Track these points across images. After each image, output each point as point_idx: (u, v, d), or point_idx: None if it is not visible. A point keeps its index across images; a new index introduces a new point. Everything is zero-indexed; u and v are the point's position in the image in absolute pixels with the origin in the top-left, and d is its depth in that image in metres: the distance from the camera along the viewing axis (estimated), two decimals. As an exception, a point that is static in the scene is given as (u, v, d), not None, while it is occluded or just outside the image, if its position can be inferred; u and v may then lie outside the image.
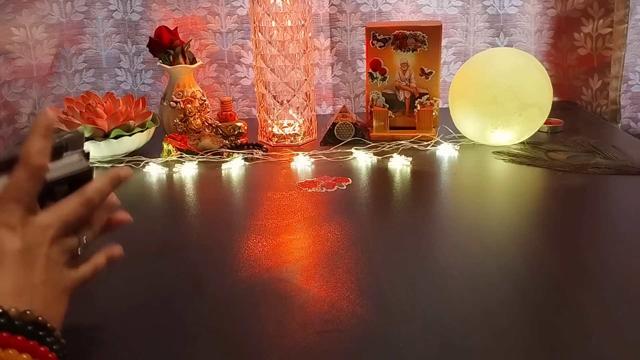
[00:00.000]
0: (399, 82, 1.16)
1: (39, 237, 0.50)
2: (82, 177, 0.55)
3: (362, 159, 1.07)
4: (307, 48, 1.14)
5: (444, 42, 1.30)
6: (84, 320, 0.64)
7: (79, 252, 0.54)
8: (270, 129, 1.18)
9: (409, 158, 1.05)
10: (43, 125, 0.50)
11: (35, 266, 0.49)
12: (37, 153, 0.50)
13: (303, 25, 1.12)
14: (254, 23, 1.13)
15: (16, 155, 0.51)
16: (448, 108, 1.15)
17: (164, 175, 1.05)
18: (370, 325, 0.62)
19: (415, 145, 1.12)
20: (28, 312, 0.46)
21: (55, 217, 0.52)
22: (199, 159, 1.09)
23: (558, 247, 0.77)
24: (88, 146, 0.58)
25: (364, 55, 1.20)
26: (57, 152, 0.54)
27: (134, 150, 1.12)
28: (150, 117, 1.15)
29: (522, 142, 1.11)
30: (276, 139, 1.18)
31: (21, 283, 0.48)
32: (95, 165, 0.59)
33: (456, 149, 1.09)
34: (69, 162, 0.55)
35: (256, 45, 1.15)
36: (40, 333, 0.46)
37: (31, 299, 0.48)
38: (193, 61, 1.20)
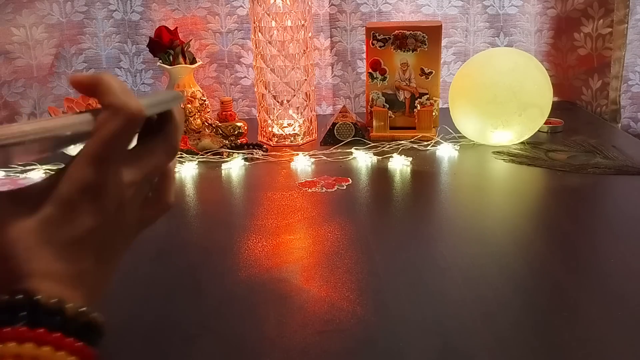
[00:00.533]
0: (399, 82, 1.16)
1: (120, 201, 0.42)
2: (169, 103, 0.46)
3: (362, 159, 1.07)
4: (307, 48, 1.14)
5: (444, 42, 1.30)
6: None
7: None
8: (270, 129, 1.18)
9: (409, 158, 1.05)
10: (113, 81, 0.41)
11: (104, 245, 0.42)
12: (132, 106, 0.40)
13: (303, 25, 1.12)
14: (254, 23, 1.13)
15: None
16: (448, 108, 1.15)
17: (164, 175, 1.04)
18: (370, 326, 0.62)
19: (415, 145, 1.12)
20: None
21: (141, 171, 0.43)
22: (199, 159, 1.09)
23: (558, 247, 0.77)
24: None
25: (364, 55, 1.20)
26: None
27: (134, 150, 1.12)
28: (150, 117, 1.15)
29: (522, 142, 1.11)
30: (276, 139, 1.17)
31: (79, 273, 0.42)
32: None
33: (456, 149, 1.09)
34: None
35: (256, 45, 1.15)
36: (79, 328, 0.41)
37: (87, 290, 0.42)
38: (193, 61, 1.20)
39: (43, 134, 0.38)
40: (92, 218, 0.41)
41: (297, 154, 1.09)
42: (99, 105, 0.40)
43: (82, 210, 0.40)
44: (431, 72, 1.15)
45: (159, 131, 0.45)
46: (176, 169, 0.50)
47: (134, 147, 0.44)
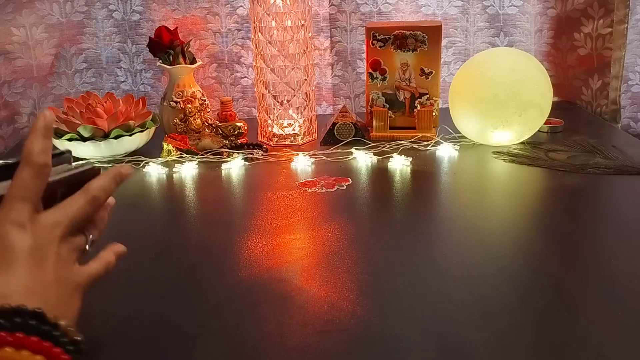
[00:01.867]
0: (399, 82, 1.16)
1: (49, 235, 0.50)
2: (83, 178, 0.55)
3: (362, 159, 1.07)
4: (307, 48, 1.14)
5: (444, 42, 1.30)
6: (84, 320, 0.64)
7: (87, 249, 0.54)
8: (270, 129, 1.18)
9: (409, 158, 1.05)
10: (42, 125, 0.50)
11: (46, 264, 0.49)
12: (40, 152, 0.50)
13: (303, 25, 1.12)
14: (254, 23, 1.13)
15: (15, 162, 0.51)
16: (448, 108, 1.15)
17: (164, 175, 1.05)
18: (370, 326, 0.62)
19: (415, 145, 1.12)
20: (41, 310, 0.45)
21: (63, 215, 0.51)
22: (199, 159, 1.09)
23: (558, 247, 0.77)
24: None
25: (364, 55, 1.20)
26: (58, 159, 0.54)
27: (134, 150, 1.12)
28: (150, 117, 1.15)
29: (522, 142, 1.11)
30: (276, 139, 1.18)
31: (33, 282, 0.48)
32: (98, 165, 0.58)
33: (456, 149, 1.09)
34: (67, 167, 0.55)
35: (256, 45, 1.15)
36: (55, 333, 0.45)
37: (44, 298, 0.48)
38: (193, 61, 1.20)
39: None
40: (22, 242, 0.49)
41: (297, 154, 1.09)
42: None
43: (14, 238, 0.49)
44: (431, 72, 1.15)
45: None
46: (120, 248, 0.60)
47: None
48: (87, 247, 0.54)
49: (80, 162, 0.55)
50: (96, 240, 0.56)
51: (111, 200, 0.59)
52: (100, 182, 0.55)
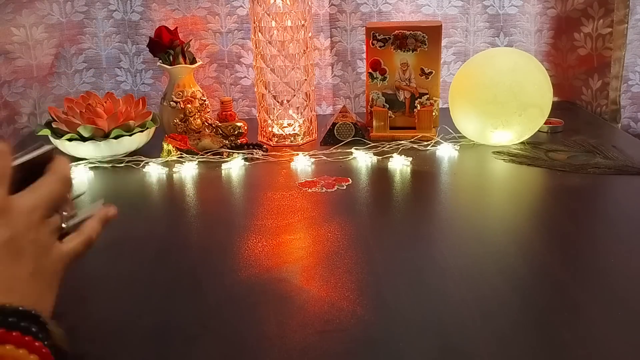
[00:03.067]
0: (399, 82, 1.16)
1: (26, 222, 0.48)
2: (41, 162, 0.53)
3: (362, 159, 1.07)
4: (307, 48, 1.14)
5: (444, 42, 1.30)
6: (84, 320, 0.64)
7: (64, 226, 0.53)
8: (270, 129, 1.18)
9: (409, 158, 1.05)
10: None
11: (23, 257, 0.48)
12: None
13: (303, 25, 1.12)
14: (254, 23, 1.13)
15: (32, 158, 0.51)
16: (448, 108, 1.15)
17: (164, 175, 1.05)
18: (370, 326, 0.62)
19: (415, 145, 1.12)
20: (21, 308, 0.45)
21: (38, 198, 0.50)
22: (199, 159, 1.09)
23: (558, 247, 0.77)
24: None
25: (364, 55, 1.20)
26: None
27: (134, 150, 1.12)
28: (150, 117, 1.15)
29: (522, 142, 1.11)
30: (276, 139, 1.17)
31: (10, 278, 0.47)
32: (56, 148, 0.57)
33: (456, 149, 1.09)
34: (23, 152, 0.53)
35: (256, 45, 1.15)
36: (33, 329, 0.45)
37: (22, 293, 0.47)
38: (193, 61, 1.20)
39: None
40: (2, 231, 0.47)
41: (297, 154, 1.09)
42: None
43: None
44: (431, 72, 1.15)
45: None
46: (110, 210, 0.58)
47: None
48: (63, 225, 0.53)
49: (35, 145, 0.54)
50: (70, 216, 0.54)
51: (111, 211, 0.58)
52: (67, 163, 0.54)
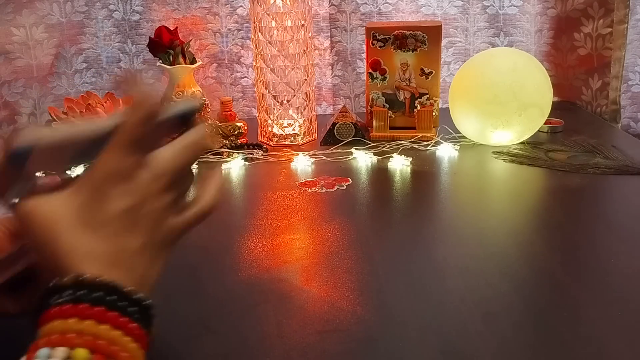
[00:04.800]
0: (399, 82, 1.16)
1: (151, 188, 0.45)
2: (189, 118, 0.50)
3: (362, 159, 1.07)
4: (307, 48, 1.14)
5: (444, 42, 1.30)
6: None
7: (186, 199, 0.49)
8: (270, 129, 1.18)
9: (409, 158, 1.05)
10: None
11: (137, 228, 0.45)
12: (150, 98, 0.45)
13: (303, 25, 1.12)
14: (254, 23, 1.13)
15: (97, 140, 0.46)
16: (448, 108, 1.15)
17: (164, 175, 1.04)
18: (370, 326, 0.62)
19: (415, 145, 1.12)
20: (124, 287, 0.43)
21: (168, 165, 0.47)
22: (199, 159, 1.09)
23: (558, 247, 0.77)
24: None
25: (364, 55, 1.20)
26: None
27: (134, 150, 1.12)
28: (150, 117, 1.15)
29: (522, 142, 1.11)
30: (276, 139, 1.17)
31: (119, 250, 0.44)
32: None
33: (456, 149, 1.09)
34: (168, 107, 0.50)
35: (256, 45, 1.15)
36: (130, 309, 0.43)
37: (127, 268, 0.45)
38: (193, 61, 1.20)
39: (72, 134, 0.45)
40: (121, 200, 0.44)
41: (297, 154, 1.09)
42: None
43: (112, 193, 0.44)
44: (431, 72, 1.15)
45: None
46: (222, 173, 0.52)
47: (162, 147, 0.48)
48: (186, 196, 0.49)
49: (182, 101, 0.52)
50: (190, 187, 0.51)
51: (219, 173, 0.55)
52: (202, 129, 0.50)
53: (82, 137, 0.46)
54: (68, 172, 0.49)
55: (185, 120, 0.50)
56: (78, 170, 0.50)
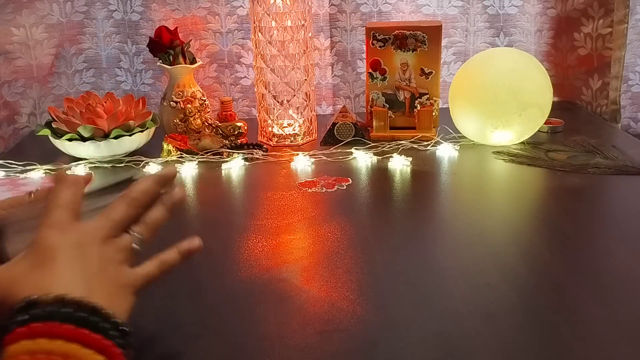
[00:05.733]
0: (399, 82, 1.16)
1: (90, 237, 0.50)
2: (119, 189, 0.55)
3: (362, 159, 1.07)
4: (307, 48, 1.14)
5: (444, 42, 1.30)
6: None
7: (136, 248, 0.53)
8: (270, 129, 1.18)
9: (409, 158, 1.05)
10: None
11: (89, 261, 0.48)
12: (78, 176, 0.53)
13: (303, 25, 1.12)
14: (254, 23, 1.13)
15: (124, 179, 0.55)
16: (448, 108, 1.15)
17: (164, 175, 1.04)
18: (370, 326, 0.62)
19: (415, 145, 1.12)
20: (94, 304, 0.44)
21: (103, 219, 0.51)
22: (199, 159, 1.09)
23: (558, 247, 0.77)
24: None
25: (364, 55, 1.20)
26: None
27: (134, 150, 1.12)
28: (150, 117, 1.15)
29: (522, 142, 1.11)
30: (276, 139, 1.17)
31: (75, 276, 0.47)
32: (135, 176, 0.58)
33: (456, 149, 1.09)
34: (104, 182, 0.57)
35: (256, 45, 1.15)
36: (103, 326, 0.44)
37: (88, 288, 0.47)
38: (193, 61, 1.20)
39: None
40: (54, 238, 0.49)
41: (297, 154, 1.09)
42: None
43: (46, 235, 0.49)
44: (431, 72, 1.15)
45: None
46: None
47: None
48: (133, 245, 0.53)
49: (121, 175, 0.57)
50: (145, 237, 0.54)
51: (177, 194, 0.58)
52: (141, 185, 0.54)
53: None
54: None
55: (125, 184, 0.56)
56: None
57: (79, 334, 0.41)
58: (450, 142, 1.11)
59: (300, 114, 1.17)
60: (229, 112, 1.21)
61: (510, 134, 1.08)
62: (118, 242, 0.52)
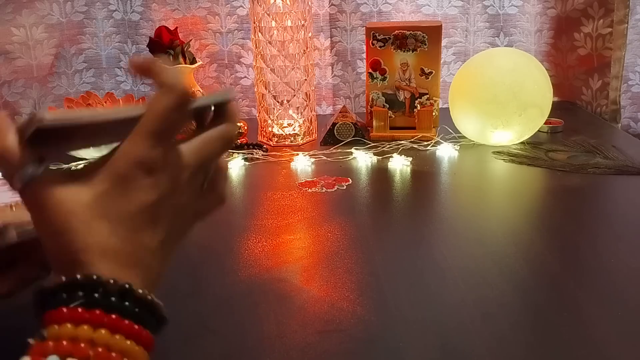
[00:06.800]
0: (399, 82, 1.16)
1: (177, 183, 0.42)
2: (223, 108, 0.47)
3: (362, 159, 1.07)
4: (307, 48, 1.14)
5: (444, 42, 1.30)
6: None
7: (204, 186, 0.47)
8: (270, 129, 1.18)
9: (409, 158, 1.05)
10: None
11: (159, 224, 0.42)
12: (180, 84, 0.42)
13: (303, 25, 1.12)
14: (254, 23, 1.13)
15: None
16: (448, 108, 1.15)
17: (164, 175, 1.04)
18: (370, 326, 0.62)
19: (415, 145, 1.12)
20: (139, 291, 0.40)
21: (197, 157, 0.44)
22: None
23: (558, 247, 0.77)
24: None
25: (364, 55, 1.20)
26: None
27: (134, 150, 1.12)
28: (150, 117, 1.15)
29: (522, 142, 1.11)
30: (276, 139, 1.17)
31: (139, 249, 0.41)
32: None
33: (456, 149, 1.09)
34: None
35: (256, 45, 1.15)
36: (145, 316, 0.41)
37: (146, 266, 0.42)
38: (193, 61, 1.20)
39: (96, 117, 0.42)
40: (146, 194, 0.41)
41: (297, 154, 1.09)
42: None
43: (137, 185, 0.41)
44: (431, 72, 1.15)
45: (215, 125, 0.46)
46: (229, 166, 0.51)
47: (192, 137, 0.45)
48: (204, 184, 0.47)
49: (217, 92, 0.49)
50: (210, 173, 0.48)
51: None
52: (234, 126, 0.47)
53: (105, 120, 0.42)
54: (85, 155, 0.45)
55: (217, 111, 0.47)
56: (94, 154, 0.46)
57: (122, 325, 0.39)
58: (450, 142, 1.11)
59: (300, 114, 1.17)
60: (229, 112, 1.21)
61: (510, 134, 1.08)
62: (194, 184, 0.45)
